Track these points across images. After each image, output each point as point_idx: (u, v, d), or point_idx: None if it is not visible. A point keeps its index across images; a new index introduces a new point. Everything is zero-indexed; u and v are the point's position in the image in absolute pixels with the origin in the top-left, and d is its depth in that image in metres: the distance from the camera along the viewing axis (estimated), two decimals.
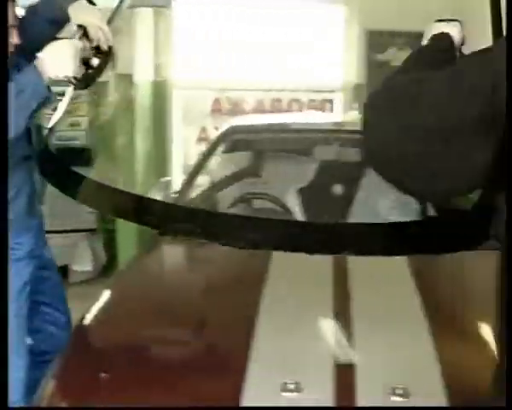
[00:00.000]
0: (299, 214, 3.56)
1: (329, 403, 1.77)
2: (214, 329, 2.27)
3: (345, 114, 6.02)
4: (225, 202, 3.61)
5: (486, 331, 2.15)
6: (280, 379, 1.82)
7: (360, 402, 1.77)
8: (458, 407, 1.80)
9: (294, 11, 6.34)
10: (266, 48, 6.19)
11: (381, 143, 1.34)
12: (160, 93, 5.99)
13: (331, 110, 6.51)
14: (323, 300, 2.28)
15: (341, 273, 2.49)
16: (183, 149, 6.20)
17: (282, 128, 3.94)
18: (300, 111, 6.26)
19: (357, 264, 2.59)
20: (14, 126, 2.24)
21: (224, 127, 4.04)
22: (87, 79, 2.39)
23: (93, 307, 2.39)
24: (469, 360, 2.02)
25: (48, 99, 2.39)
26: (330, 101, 6.54)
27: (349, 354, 2.00)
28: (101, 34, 2.40)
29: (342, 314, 2.18)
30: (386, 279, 2.53)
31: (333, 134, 4.03)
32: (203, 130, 6.36)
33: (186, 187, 3.38)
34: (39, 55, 2.34)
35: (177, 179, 5.02)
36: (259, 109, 6.23)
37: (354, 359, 1.96)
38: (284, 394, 1.79)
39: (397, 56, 6.62)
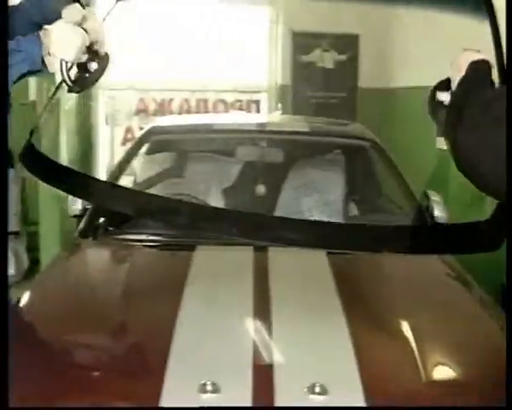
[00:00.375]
0: None
1: (248, 403, 1.77)
2: (134, 330, 2.25)
3: (269, 115, 6.06)
4: None
5: (404, 328, 2.19)
6: (198, 380, 1.81)
7: (279, 401, 1.77)
8: (458, 407, 1.82)
9: (220, 11, 6.34)
10: (192, 47, 6.17)
11: (478, 160, 1.55)
12: (85, 94, 5.90)
13: (257, 111, 6.54)
14: (244, 299, 2.28)
15: (262, 272, 2.49)
16: (109, 150, 6.15)
17: (205, 129, 3.93)
18: (226, 112, 6.27)
19: (278, 262, 2.60)
20: None
21: (145, 128, 4.02)
22: (83, 82, 2.30)
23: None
24: (386, 357, 2.05)
25: (39, 71, 2.25)
26: (256, 101, 6.57)
27: (268, 354, 2.00)
28: (100, 38, 2.30)
29: (262, 313, 2.18)
30: (306, 278, 2.55)
31: (256, 135, 4.04)
32: (129, 130, 6.31)
33: None
34: (47, 27, 2.21)
35: None
36: (185, 110, 6.22)
37: (273, 358, 1.96)
38: (202, 395, 1.78)
39: (322, 58, 6.68)
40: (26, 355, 2.01)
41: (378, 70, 6.65)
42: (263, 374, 1.86)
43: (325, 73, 6.49)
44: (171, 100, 6.22)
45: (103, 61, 2.28)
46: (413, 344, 2.06)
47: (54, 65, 2.20)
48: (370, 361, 1.97)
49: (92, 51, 2.24)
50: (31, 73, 2.25)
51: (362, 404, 1.77)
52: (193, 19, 6.21)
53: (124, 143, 6.21)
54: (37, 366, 1.97)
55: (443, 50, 3.64)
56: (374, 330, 2.22)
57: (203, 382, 1.80)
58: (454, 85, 1.84)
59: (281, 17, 6.48)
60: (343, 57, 6.56)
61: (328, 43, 6.68)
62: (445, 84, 1.94)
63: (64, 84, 2.30)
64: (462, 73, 1.81)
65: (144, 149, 3.78)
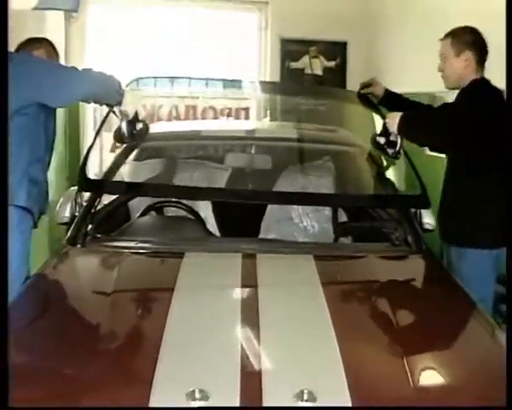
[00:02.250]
0: (211, 223, 3.56)
1: None
2: (122, 337, 2.24)
3: (258, 122, 6.06)
4: (138, 209, 3.58)
5: (391, 334, 2.19)
6: (187, 388, 1.80)
7: (267, 409, 1.77)
8: (458, 407, 1.82)
9: (209, 18, 6.35)
10: (181, 53, 6.18)
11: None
12: None
13: (246, 117, 6.54)
14: (232, 306, 2.28)
15: (250, 279, 2.49)
16: (98, 157, 6.11)
17: (194, 135, 3.92)
18: (215, 118, 6.27)
19: (266, 268, 2.60)
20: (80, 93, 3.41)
21: None
22: (131, 136, 3.33)
23: None
24: (374, 364, 2.05)
25: (112, 104, 3.35)
26: (245, 108, 6.58)
27: (256, 361, 2.00)
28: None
29: (250, 320, 2.18)
30: (294, 284, 2.55)
31: (245, 141, 4.05)
32: None
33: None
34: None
35: None
36: (174, 116, 6.21)
37: (261, 365, 1.96)
38: (191, 402, 1.77)
39: (311, 64, 6.69)
40: (14, 360, 2.00)
41: (366, 77, 6.66)
42: (251, 381, 1.86)
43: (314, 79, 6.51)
44: (160, 106, 6.20)
45: (145, 125, 3.40)
46: (400, 350, 2.06)
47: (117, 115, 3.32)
48: (358, 368, 1.97)
49: (137, 116, 3.36)
50: (106, 102, 3.42)
51: None
52: (182, 24, 6.22)
53: (113, 150, 6.18)
54: (27, 372, 1.96)
55: (429, 58, 3.64)
56: (361, 337, 2.22)
57: (192, 389, 1.79)
58: (394, 129, 3.21)
59: (270, 24, 6.50)
60: (331, 64, 6.57)
61: (317, 50, 6.70)
62: (381, 132, 3.28)
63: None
64: (397, 122, 3.18)
65: (133, 155, 3.78)
